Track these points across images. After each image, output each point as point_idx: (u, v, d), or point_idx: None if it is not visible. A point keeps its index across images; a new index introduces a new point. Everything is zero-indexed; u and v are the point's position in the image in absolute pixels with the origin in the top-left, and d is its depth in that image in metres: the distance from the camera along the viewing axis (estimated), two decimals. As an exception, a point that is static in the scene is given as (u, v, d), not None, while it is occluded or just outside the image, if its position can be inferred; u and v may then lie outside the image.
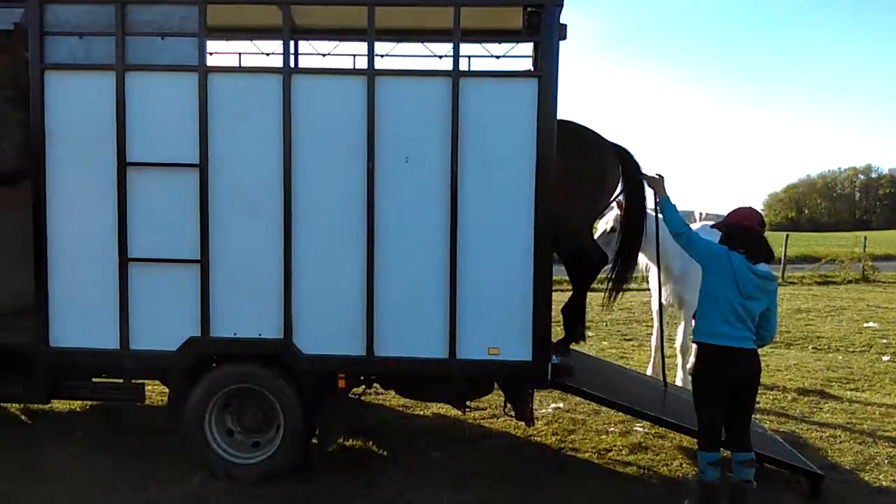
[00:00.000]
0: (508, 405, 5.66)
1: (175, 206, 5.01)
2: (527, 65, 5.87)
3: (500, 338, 4.98)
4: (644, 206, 6.26)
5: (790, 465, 5.26)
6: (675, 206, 5.03)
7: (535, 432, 6.37)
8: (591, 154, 5.63)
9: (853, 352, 10.84)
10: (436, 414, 6.88)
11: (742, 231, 4.72)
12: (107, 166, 5.00)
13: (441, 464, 5.58)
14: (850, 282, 20.89)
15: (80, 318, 5.09)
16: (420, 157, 4.94)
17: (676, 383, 7.91)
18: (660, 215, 5.29)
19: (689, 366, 8.66)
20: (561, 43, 4.83)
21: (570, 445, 6.10)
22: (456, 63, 4.87)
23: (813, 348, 11.20)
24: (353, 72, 4.96)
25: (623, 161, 5.92)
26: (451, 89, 4.86)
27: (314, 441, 5.44)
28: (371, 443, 6.00)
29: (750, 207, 4.93)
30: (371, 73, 4.86)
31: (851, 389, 8.43)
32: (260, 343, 5.06)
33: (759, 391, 8.09)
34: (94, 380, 5.44)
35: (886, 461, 5.92)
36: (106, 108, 4.95)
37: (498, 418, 6.60)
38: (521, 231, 4.93)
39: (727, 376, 4.60)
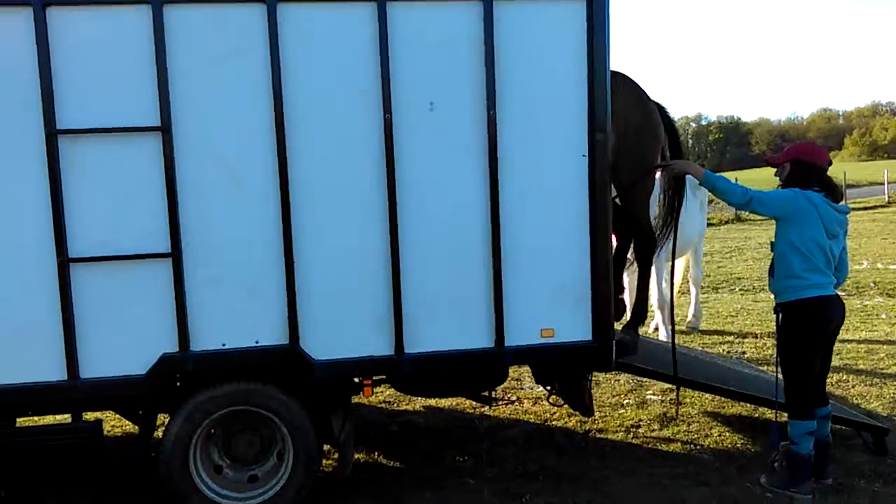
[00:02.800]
0: (554, 394, 4.88)
1: (132, 185, 3.77)
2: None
3: (554, 316, 4.17)
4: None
5: (853, 421, 4.86)
6: (720, 175, 4.46)
7: (548, 414, 5.65)
8: (644, 106, 4.83)
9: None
10: (426, 407, 6.00)
11: (816, 170, 4.20)
12: (28, 136, 3.66)
13: (470, 469, 4.73)
14: (726, 222, 21.78)
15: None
16: (449, 102, 3.97)
17: (660, 338, 7.51)
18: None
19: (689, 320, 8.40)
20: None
21: (595, 426, 5.43)
22: (488, -17, 3.91)
23: (740, 290, 11.27)
24: (358, -3, 3.88)
25: (664, 117, 5.14)
26: (483, 16, 3.91)
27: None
28: (377, 454, 5.03)
29: (814, 143, 4.44)
30: (381, 0, 3.82)
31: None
32: (258, 353, 3.95)
33: (734, 340, 7.88)
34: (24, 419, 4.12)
35: (912, 403, 5.72)
36: (22, 59, 3.61)
37: (493, 406, 5.72)
38: (572, 187, 4.10)
39: (829, 328, 4.21)
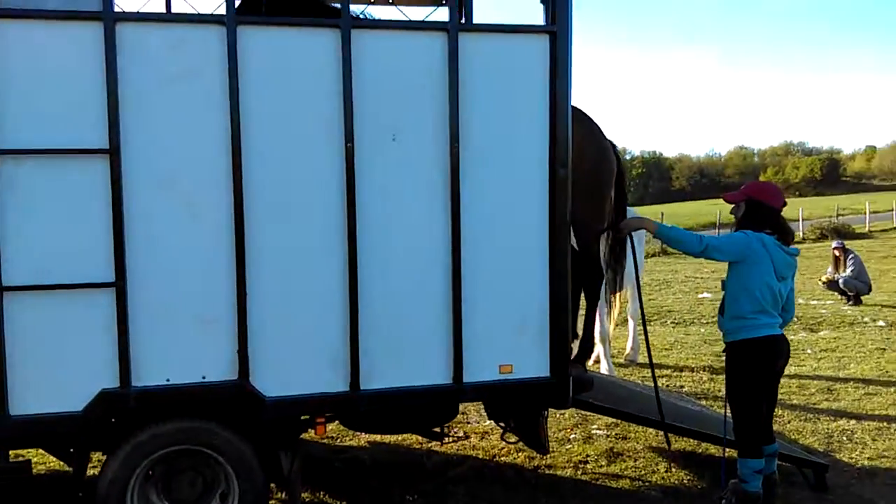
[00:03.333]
0: (509, 431, 4.79)
1: (75, 210, 3.54)
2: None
3: (513, 352, 4.11)
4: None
5: (795, 458, 4.96)
6: (674, 227, 4.54)
7: (496, 450, 5.57)
8: (599, 141, 4.85)
9: (709, 323, 11.18)
10: (370, 442, 5.84)
11: (770, 212, 4.30)
12: (-43, 154, 3.41)
13: (422, 509, 4.60)
14: (653, 255, 22.32)
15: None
16: (411, 134, 3.90)
17: (602, 371, 7.56)
18: None
19: (628, 354, 8.46)
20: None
21: (543, 462, 5.37)
22: (454, 15, 3.88)
23: (672, 323, 11.48)
24: (321, 23, 3.75)
25: (615, 155, 5.17)
26: (448, 47, 3.87)
27: None
28: (322, 493, 4.84)
29: (772, 184, 4.56)
30: (346, 26, 3.73)
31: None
32: (205, 389, 3.75)
33: (672, 374, 8.01)
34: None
35: (846, 436, 5.89)
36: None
37: (443, 442, 5.60)
38: (534, 223, 4.07)
39: (776, 366, 4.31)
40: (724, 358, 8.37)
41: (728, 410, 4.42)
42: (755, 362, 4.21)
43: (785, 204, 4.40)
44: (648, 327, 10.92)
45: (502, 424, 4.90)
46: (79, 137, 3.49)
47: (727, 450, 4.56)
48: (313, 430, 4.12)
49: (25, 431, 3.59)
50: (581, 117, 4.73)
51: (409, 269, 3.96)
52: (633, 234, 8.18)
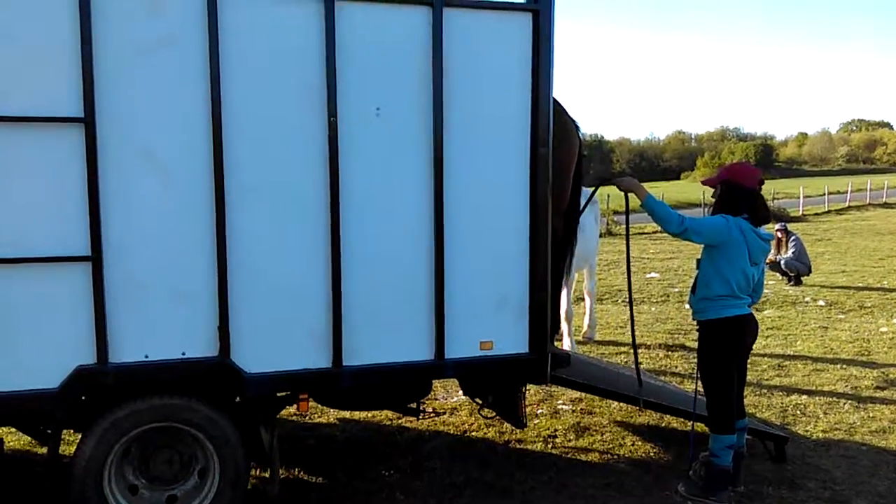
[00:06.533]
0: (486, 407, 4.81)
1: (49, 180, 3.40)
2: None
3: (493, 329, 4.14)
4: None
5: (759, 431, 5.14)
6: (661, 202, 4.57)
7: (466, 426, 5.62)
8: (561, 118, 4.85)
9: (658, 302, 11.48)
10: (340, 419, 5.81)
11: (745, 194, 4.38)
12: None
13: (398, 484, 4.61)
14: (601, 235, 22.63)
15: None
16: (394, 109, 3.86)
17: (564, 348, 7.67)
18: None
19: (585, 332, 8.59)
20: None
21: (513, 437, 5.45)
22: (439, -13, 3.84)
23: (622, 301, 11.71)
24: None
25: (577, 136, 5.17)
26: (432, 23, 3.84)
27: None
28: (298, 470, 4.80)
29: (747, 164, 4.65)
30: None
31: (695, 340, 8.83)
32: (184, 366, 3.67)
33: (627, 350, 8.18)
34: None
35: (799, 410, 6.13)
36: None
37: (419, 418, 5.63)
38: (514, 201, 4.10)
39: (742, 345, 4.43)
40: (676, 336, 8.68)
41: (699, 387, 4.55)
42: (726, 341, 4.33)
43: (762, 182, 4.48)
44: (601, 305, 11.22)
45: (478, 400, 4.93)
46: (51, 105, 3.35)
47: (696, 424, 4.69)
48: (295, 406, 4.08)
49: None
50: None
51: (392, 243, 3.94)
52: (591, 213, 8.29)
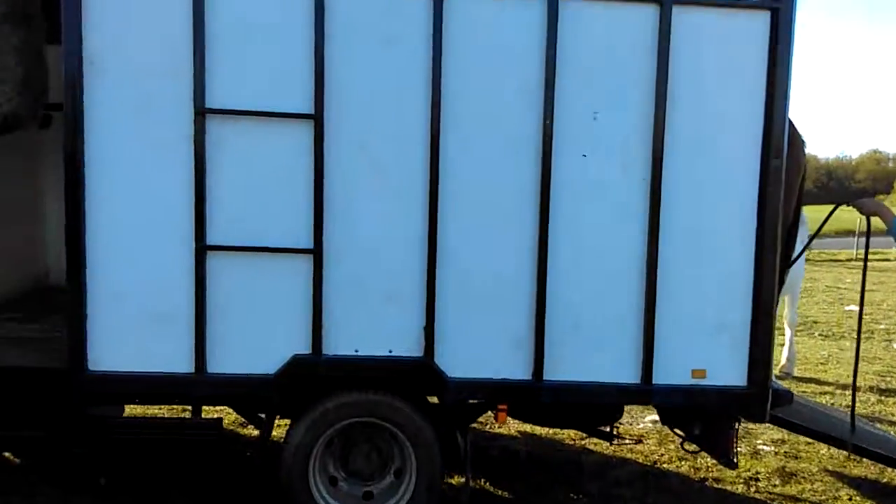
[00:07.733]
0: (689, 440, 4.48)
1: (283, 174, 3.55)
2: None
3: (708, 356, 3.83)
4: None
5: None
6: None
7: (655, 455, 5.31)
8: (796, 134, 4.47)
9: (862, 339, 10.41)
10: (521, 432, 5.69)
11: None
12: (175, 112, 3.47)
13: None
14: (790, 265, 21.06)
15: (130, 332, 3.57)
16: (613, 114, 3.69)
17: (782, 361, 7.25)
18: None
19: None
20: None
21: (710, 474, 5.06)
22: (668, -16, 3.62)
23: (819, 335, 10.72)
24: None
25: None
26: (659, 22, 3.62)
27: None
28: (483, 480, 4.73)
29: None
30: (557, -6, 3.55)
31: None
32: (390, 363, 3.69)
33: (835, 392, 7.45)
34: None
35: None
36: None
37: (612, 443, 5.30)
38: (740, 215, 3.78)
39: None
40: (888, 380, 7.80)
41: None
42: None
43: None
44: (795, 338, 10.35)
45: (678, 431, 4.60)
46: (283, 101, 3.50)
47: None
48: (494, 417, 4.00)
49: (218, 389, 3.64)
50: None
51: (603, 257, 3.76)
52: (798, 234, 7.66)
